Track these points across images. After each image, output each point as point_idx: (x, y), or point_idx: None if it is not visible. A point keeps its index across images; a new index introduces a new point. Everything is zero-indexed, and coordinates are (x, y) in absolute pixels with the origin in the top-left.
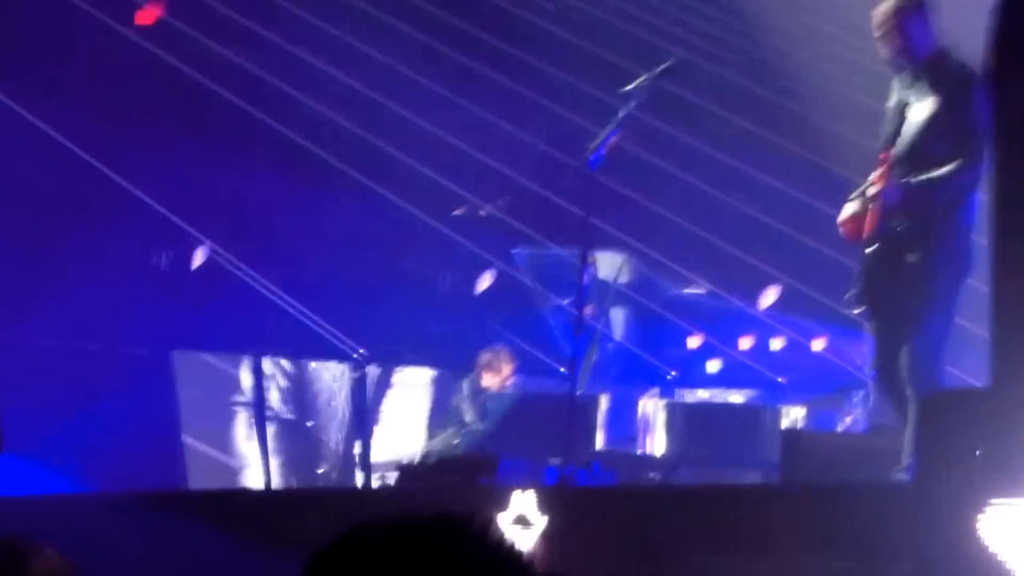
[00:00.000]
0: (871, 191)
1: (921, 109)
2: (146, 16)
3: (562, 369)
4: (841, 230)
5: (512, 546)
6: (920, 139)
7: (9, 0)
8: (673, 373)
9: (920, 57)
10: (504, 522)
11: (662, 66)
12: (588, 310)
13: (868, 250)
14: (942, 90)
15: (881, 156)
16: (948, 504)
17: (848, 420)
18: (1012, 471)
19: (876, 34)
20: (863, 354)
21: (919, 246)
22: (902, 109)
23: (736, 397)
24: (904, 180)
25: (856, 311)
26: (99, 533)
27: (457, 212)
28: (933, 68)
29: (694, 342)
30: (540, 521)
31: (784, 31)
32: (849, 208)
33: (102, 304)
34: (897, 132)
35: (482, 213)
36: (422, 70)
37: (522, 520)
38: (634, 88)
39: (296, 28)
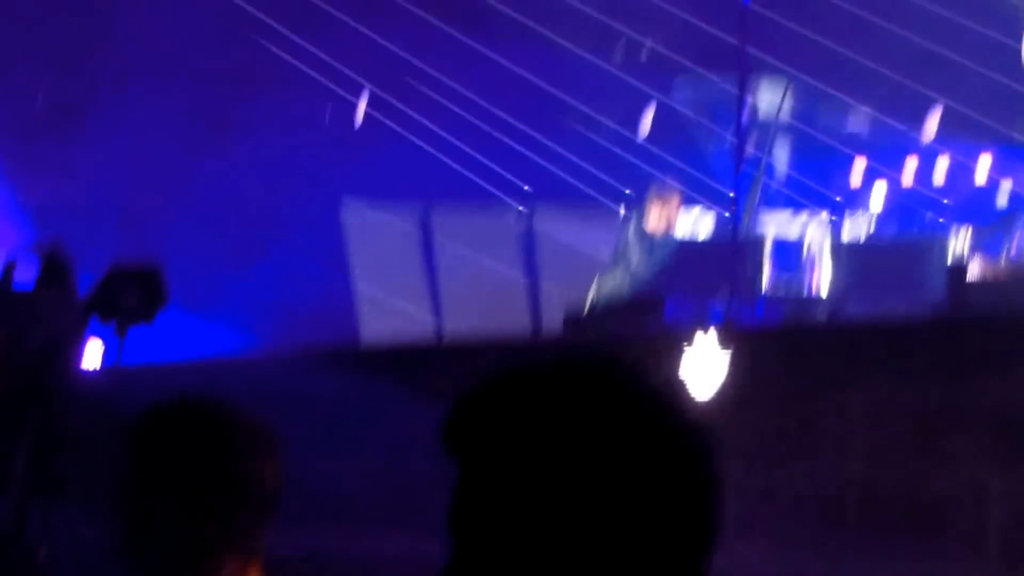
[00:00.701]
0: None
1: None
2: None
3: (726, 214)
4: None
5: (662, 388)
6: None
7: None
8: (839, 198)
9: None
10: (670, 362)
11: None
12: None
13: None
14: None
15: None
16: None
17: (1015, 245)
18: None
19: None
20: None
21: None
22: None
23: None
24: None
25: None
26: (278, 392)
27: (617, 51)
28: None
29: (858, 169)
30: (706, 359)
31: None
32: None
33: (269, 161)
34: None
35: (644, 49)
36: None
37: (689, 359)
38: None
39: None
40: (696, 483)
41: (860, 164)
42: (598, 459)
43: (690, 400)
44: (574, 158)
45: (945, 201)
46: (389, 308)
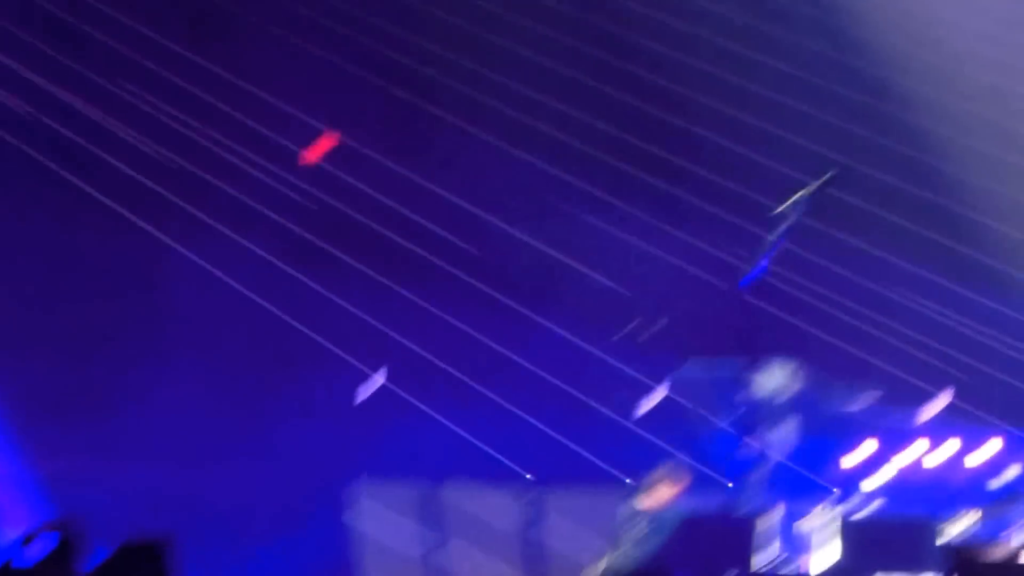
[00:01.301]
0: None
1: None
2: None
3: (729, 484)
4: None
5: None
6: None
7: None
8: (837, 491)
9: None
10: None
11: (823, 179)
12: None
13: None
14: None
15: None
16: None
17: (1017, 527)
18: None
19: None
20: None
21: None
22: None
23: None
24: None
25: None
26: None
27: (620, 335)
28: None
29: (860, 454)
30: None
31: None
32: None
33: (288, 441)
34: None
35: (643, 336)
36: (593, 182)
37: None
38: (791, 205)
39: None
40: None
41: (865, 445)
42: None
43: None
44: (574, 445)
45: (947, 484)
46: None
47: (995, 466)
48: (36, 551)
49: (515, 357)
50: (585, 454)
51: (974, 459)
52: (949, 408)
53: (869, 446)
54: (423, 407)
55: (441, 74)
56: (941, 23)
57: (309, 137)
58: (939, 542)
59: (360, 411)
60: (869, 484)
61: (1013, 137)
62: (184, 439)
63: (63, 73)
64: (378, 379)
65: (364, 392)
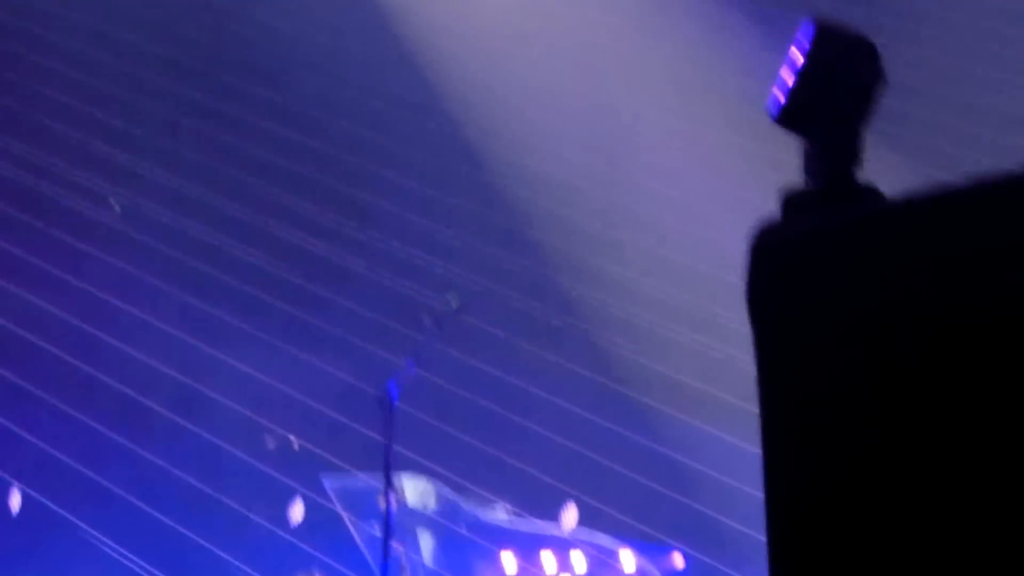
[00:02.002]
0: None
1: None
2: None
3: None
4: None
5: None
6: None
7: None
8: None
9: None
10: None
11: (451, 306)
12: (396, 543)
13: None
14: None
15: None
16: None
17: None
18: None
19: None
20: (662, 568)
21: None
22: None
23: None
24: None
25: None
26: None
27: (269, 443)
28: None
29: (507, 564)
30: None
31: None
32: None
33: None
34: None
35: (295, 446)
36: (223, 307)
37: None
38: (432, 321)
39: (101, 273)
40: None
41: (506, 556)
42: None
43: None
44: (223, 553)
45: None
46: None
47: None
48: None
49: (163, 464)
50: (235, 562)
51: (610, 568)
52: (582, 517)
53: (507, 557)
54: (65, 515)
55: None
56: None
57: None
58: None
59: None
60: None
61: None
62: None
63: None
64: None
65: (12, 502)
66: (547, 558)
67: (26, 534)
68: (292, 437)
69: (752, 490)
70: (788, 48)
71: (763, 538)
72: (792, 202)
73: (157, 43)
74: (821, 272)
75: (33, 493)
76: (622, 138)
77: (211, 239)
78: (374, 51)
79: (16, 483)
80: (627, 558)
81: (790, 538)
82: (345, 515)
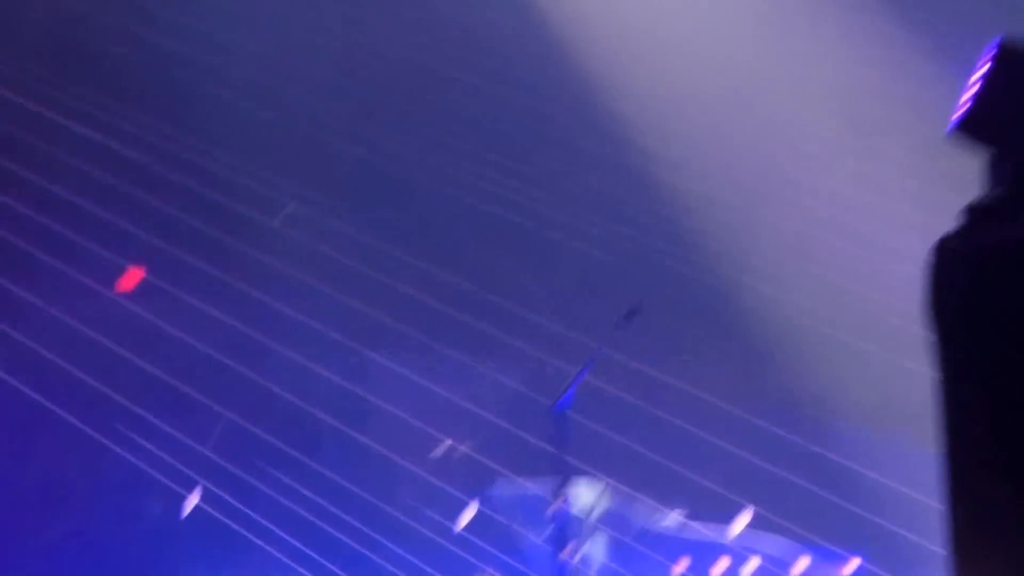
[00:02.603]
0: None
1: None
2: (131, 278)
3: None
4: None
5: None
6: None
7: None
8: None
9: None
10: None
11: (628, 310)
12: (566, 550)
13: None
14: None
15: None
16: None
17: None
18: None
19: None
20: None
21: None
22: None
23: None
24: None
25: None
26: None
27: (435, 453)
28: None
29: (679, 568)
30: None
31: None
32: None
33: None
34: None
35: (458, 455)
36: (393, 314)
37: None
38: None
39: (266, 279)
40: None
41: (681, 563)
42: None
43: None
44: (390, 565)
45: None
46: None
47: None
48: None
49: (329, 473)
50: (402, 572)
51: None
52: (753, 524)
53: (679, 566)
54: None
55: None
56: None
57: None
58: None
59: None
60: None
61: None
62: None
63: None
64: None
65: (184, 509)
66: (721, 566)
67: (197, 541)
68: (457, 445)
69: (926, 498)
70: (953, 62)
71: (938, 547)
72: (975, 212)
73: (335, 46)
74: (1005, 281)
75: (204, 506)
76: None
77: (378, 244)
78: (533, 45)
79: (187, 493)
80: (802, 565)
81: (974, 543)
82: (514, 523)
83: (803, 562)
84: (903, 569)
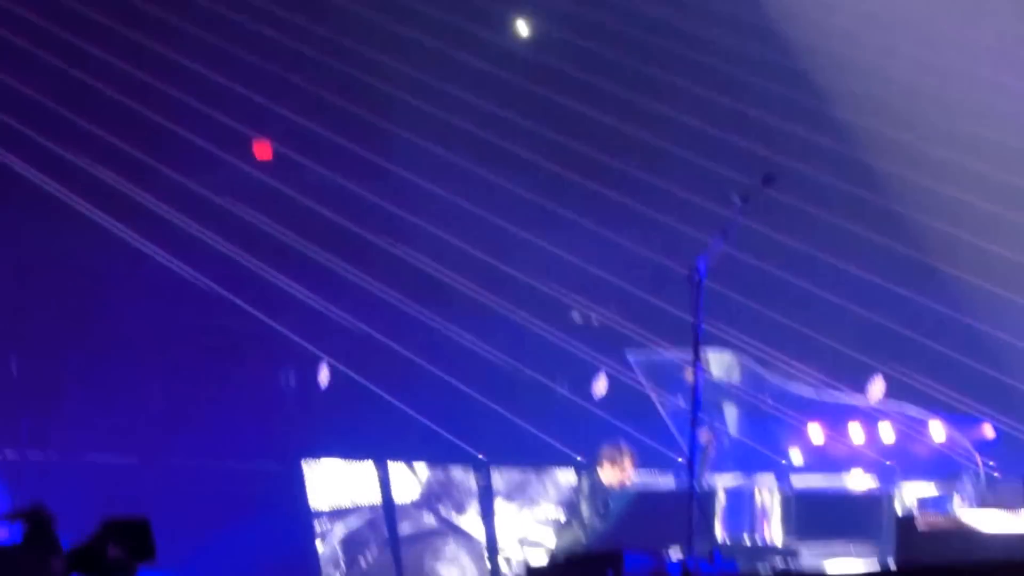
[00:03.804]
0: None
1: None
2: (263, 150)
3: (680, 459)
4: None
5: None
6: None
7: None
8: (784, 462)
9: None
10: None
11: (762, 177)
12: (705, 434)
13: None
14: None
15: None
16: None
17: (960, 503)
18: None
19: None
20: (972, 438)
21: None
22: None
23: (850, 484)
24: None
25: None
26: None
27: (575, 318)
28: None
29: (811, 431)
30: None
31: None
32: None
33: (241, 424)
34: None
35: (595, 321)
36: (535, 189)
37: None
38: (740, 199)
39: (410, 155)
40: None
41: (814, 427)
42: None
43: None
44: (527, 424)
45: (888, 463)
46: (351, 559)
47: (936, 446)
48: (10, 534)
49: (468, 340)
50: (537, 432)
51: (917, 438)
52: (888, 393)
53: (814, 428)
54: (372, 387)
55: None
56: (864, 16)
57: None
58: (885, 514)
59: (311, 394)
60: (816, 459)
61: (941, 132)
62: (138, 426)
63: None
64: (326, 363)
65: (321, 376)
66: (854, 429)
67: (335, 407)
68: (592, 314)
69: None
70: None
71: None
72: None
73: None
74: None
75: (341, 367)
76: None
77: (520, 119)
78: None
79: (327, 358)
80: (936, 428)
81: None
82: (650, 388)
83: (937, 425)
84: None
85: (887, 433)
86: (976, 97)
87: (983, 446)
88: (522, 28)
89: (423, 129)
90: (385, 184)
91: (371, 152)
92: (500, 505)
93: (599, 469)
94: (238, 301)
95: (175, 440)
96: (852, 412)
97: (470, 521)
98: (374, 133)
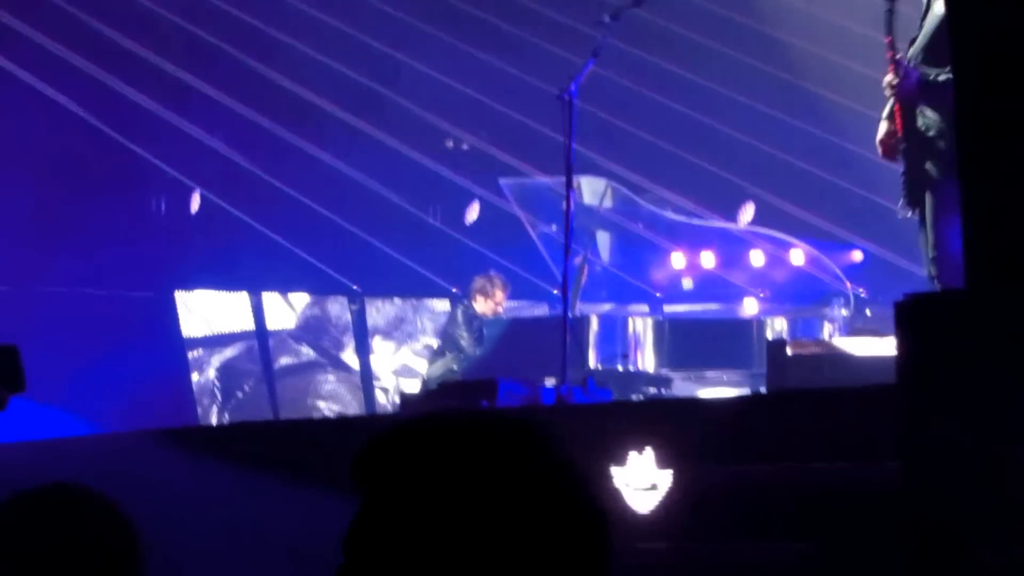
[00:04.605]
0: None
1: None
2: None
3: (555, 291)
4: (880, 149)
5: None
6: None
7: None
8: (658, 294)
9: None
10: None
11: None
12: (579, 259)
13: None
14: None
15: (886, 40)
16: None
17: (829, 328)
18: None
19: None
20: (841, 264)
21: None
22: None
23: (720, 312)
24: (924, 74)
25: (907, 215)
26: (119, 472)
27: (448, 144)
28: None
29: (677, 261)
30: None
31: None
32: (883, 126)
33: (110, 252)
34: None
35: (464, 146)
36: (401, 7)
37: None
38: (610, 17)
39: None
40: (586, 551)
41: (679, 253)
42: (496, 511)
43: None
44: (401, 256)
45: (761, 294)
46: (227, 391)
47: (806, 271)
48: None
49: (339, 165)
50: (410, 263)
51: (786, 264)
52: (757, 219)
53: (682, 253)
54: (245, 218)
55: None
56: None
57: None
58: (755, 341)
59: (181, 223)
60: (690, 287)
61: None
62: (4, 253)
63: None
64: (197, 192)
65: (191, 205)
66: (717, 256)
67: (205, 233)
68: (463, 140)
69: None
70: None
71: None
72: None
73: None
74: None
75: (211, 196)
76: None
77: None
78: None
79: (197, 186)
80: (797, 255)
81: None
82: (523, 215)
83: (798, 252)
84: (905, 253)
85: (757, 259)
86: None
87: (853, 271)
88: None
89: None
90: (256, 3)
91: None
92: (378, 339)
93: (472, 302)
94: (104, 127)
95: (43, 267)
96: (721, 238)
97: (348, 354)
98: None
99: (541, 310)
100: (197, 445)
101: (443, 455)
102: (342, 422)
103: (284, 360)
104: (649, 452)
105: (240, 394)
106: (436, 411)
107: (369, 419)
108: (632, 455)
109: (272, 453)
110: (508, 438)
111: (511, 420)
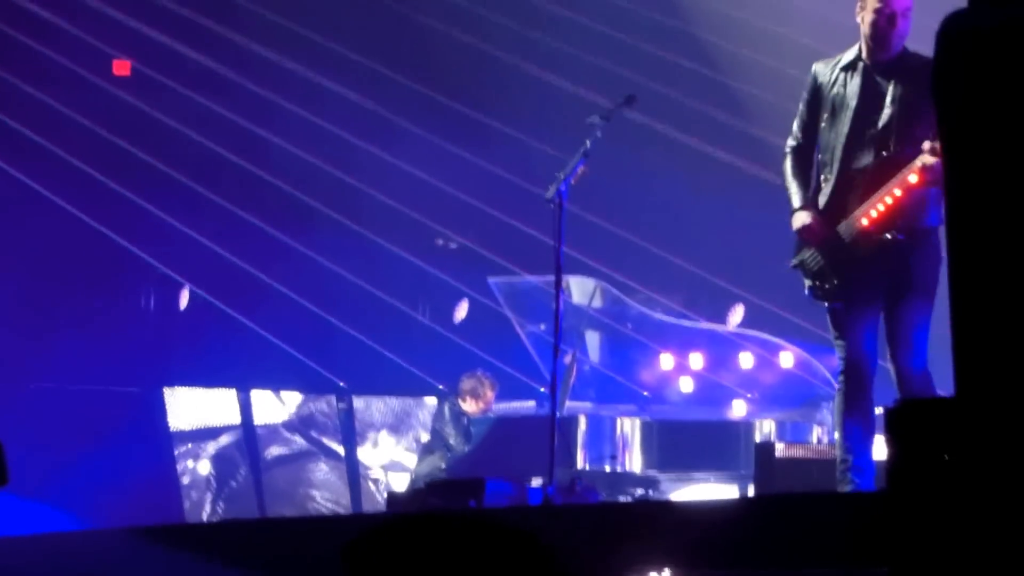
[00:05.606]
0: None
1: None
2: (122, 66)
3: (542, 389)
4: (805, 234)
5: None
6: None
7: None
8: (646, 394)
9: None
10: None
11: (623, 98)
12: (568, 358)
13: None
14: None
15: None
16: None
17: (819, 431)
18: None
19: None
20: (831, 367)
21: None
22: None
23: (709, 414)
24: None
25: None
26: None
27: (438, 243)
28: (909, 57)
29: (666, 362)
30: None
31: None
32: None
33: (98, 348)
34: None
35: (453, 245)
36: (389, 106)
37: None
38: (598, 119)
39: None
40: None
41: (667, 355)
42: None
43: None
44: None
45: (750, 395)
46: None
47: (795, 374)
48: None
49: (327, 263)
50: (399, 361)
51: (775, 367)
52: (746, 320)
53: (672, 356)
54: (235, 315)
55: None
56: None
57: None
58: (744, 443)
59: (172, 320)
60: (679, 388)
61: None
62: None
63: None
64: (187, 288)
65: (181, 301)
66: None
67: (194, 329)
68: (451, 241)
69: None
70: None
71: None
72: None
73: None
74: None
75: (199, 291)
76: None
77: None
78: None
79: (185, 282)
80: (787, 357)
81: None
82: (511, 315)
83: (794, 353)
84: None
85: (746, 361)
86: None
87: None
88: None
89: (274, 42)
90: (240, 103)
91: (222, 65)
92: (372, 435)
93: (461, 402)
94: (94, 223)
95: (31, 362)
96: (711, 340)
97: (339, 445)
98: (222, 46)
99: (528, 406)
100: (182, 543)
101: (436, 554)
102: (329, 521)
103: (275, 450)
104: (636, 555)
105: (234, 483)
106: (431, 510)
107: (357, 518)
108: (618, 558)
109: (257, 551)
110: (504, 546)
111: (511, 530)
